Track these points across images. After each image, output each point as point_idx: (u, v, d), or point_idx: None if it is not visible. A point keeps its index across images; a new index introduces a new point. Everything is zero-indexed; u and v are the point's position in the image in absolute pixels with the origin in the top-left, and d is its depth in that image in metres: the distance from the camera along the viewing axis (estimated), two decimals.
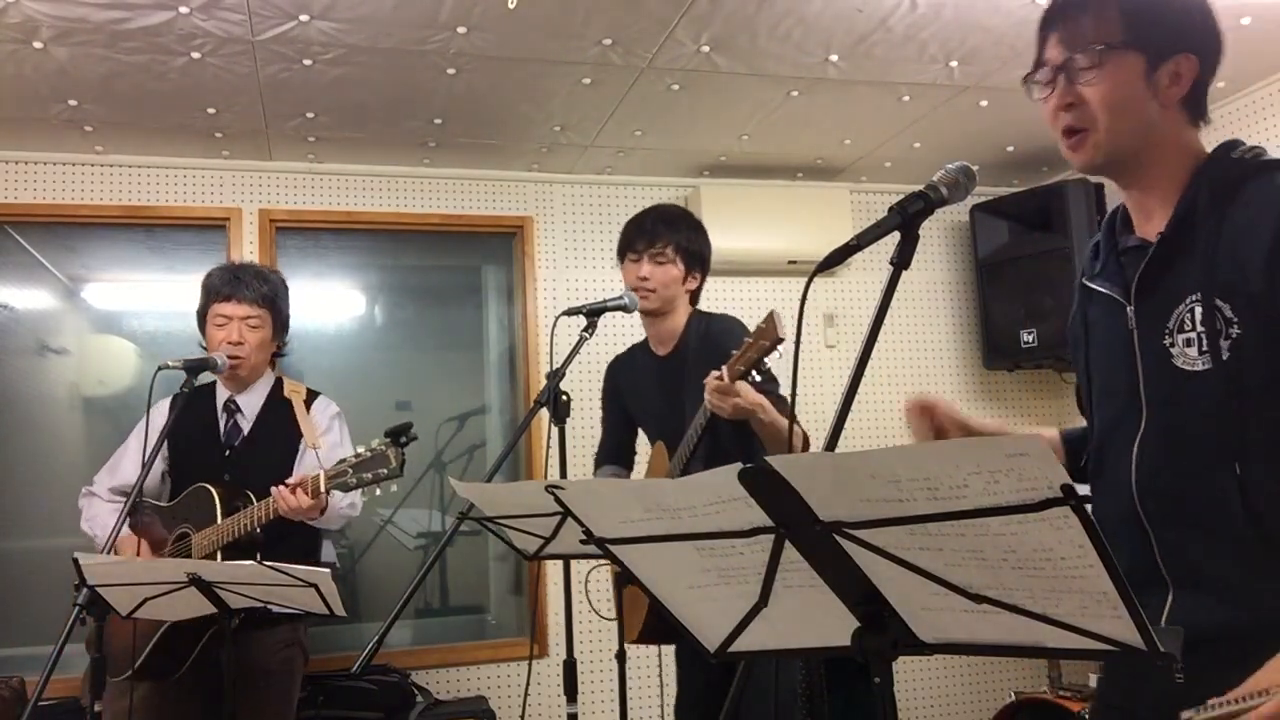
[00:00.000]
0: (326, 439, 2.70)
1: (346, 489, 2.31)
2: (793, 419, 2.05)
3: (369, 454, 2.29)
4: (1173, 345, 1.31)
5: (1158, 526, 1.32)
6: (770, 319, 2.08)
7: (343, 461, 2.32)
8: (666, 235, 2.58)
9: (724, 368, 2.18)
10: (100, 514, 2.70)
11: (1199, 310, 1.27)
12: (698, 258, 2.63)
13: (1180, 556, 1.30)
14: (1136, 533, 1.33)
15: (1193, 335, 1.28)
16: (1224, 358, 1.24)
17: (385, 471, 2.26)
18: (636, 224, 2.65)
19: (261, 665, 2.53)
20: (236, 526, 2.42)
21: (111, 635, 2.40)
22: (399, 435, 2.27)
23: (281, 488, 2.34)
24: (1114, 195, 1.46)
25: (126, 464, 2.72)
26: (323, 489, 2.32)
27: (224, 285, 2.66)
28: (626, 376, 2.81)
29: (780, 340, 2.06)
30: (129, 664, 2.45)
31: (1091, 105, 1.32)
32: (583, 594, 2.43)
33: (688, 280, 2.63)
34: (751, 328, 2.18)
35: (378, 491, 2.33)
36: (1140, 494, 1.34)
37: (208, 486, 2.51)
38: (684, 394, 2.52)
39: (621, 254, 2.66)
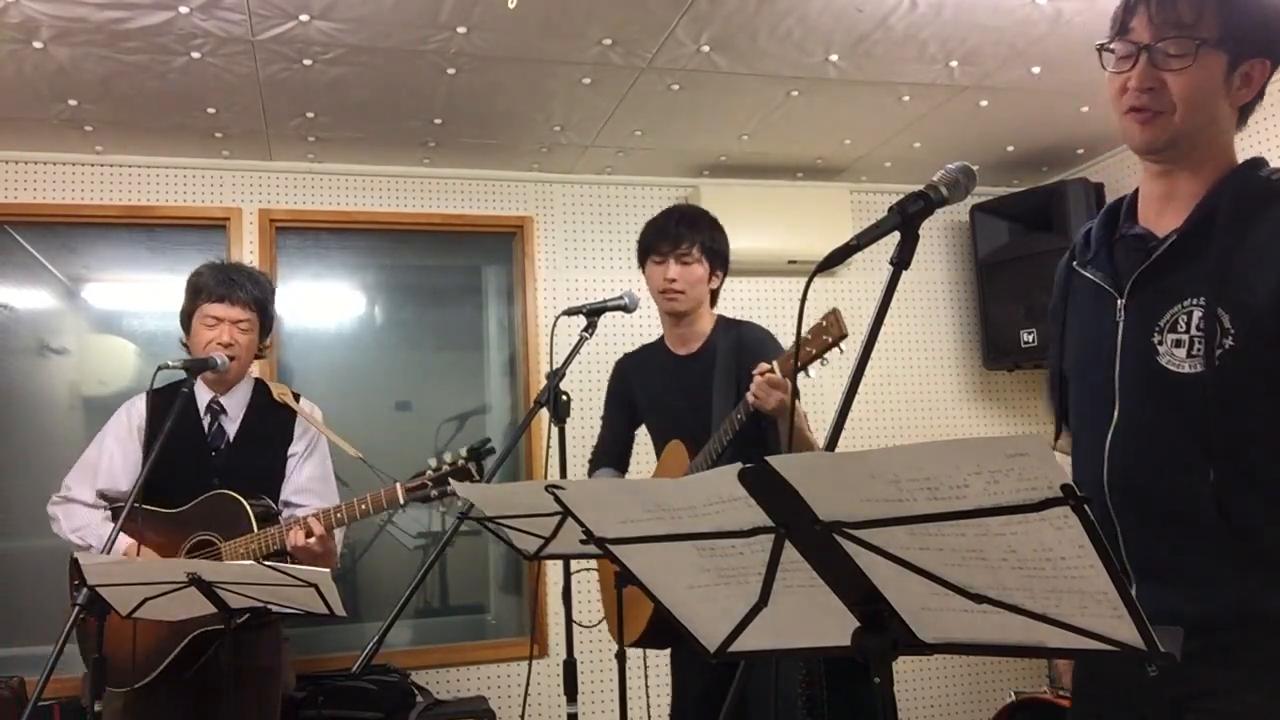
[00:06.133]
0: (320, 448, 2.72)
1: (426, 501, 2.39)
2: (793, 420, 2.05)
3: (448, 468, 2.39)
4: (1160, 344, 1.32)
5: (1125, 519, 1.34)
6: (834, 315, 2.12)
7: (421, 474, 2.41)
8: (690, 236, 2.57)
9: (775, 362, 2.21)
10: (92, 522, 2.57)
11: (1198, 314, 1.28)
12: (720, 256, 2.64)
13: (1145, 550, 1.32)
14: (1103, 525, 1.34)
15: (1184, 337, 1.29)
16: (1215, 365, 1.25)
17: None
18: (658, 227, 2.63)
19: (258, 663, 2.54)
20: (281, 536, 2.43)
21: (117, 644, 2.39)
22: (479, 451, 2.40)
23: (303, 522, 2.40)
24: (1114, 194, 1.48)
25: (111, 466, 2.62)
26: (401, 500, 2.39)
27: (217, 286, 2.61)
28: (639, 375, 2.79)
29: (845, 335, 2.10)
30: (140, 673, 2.44)
31: (1171, 92, 1.31)
32: (569, 597, 2.43)
33: (712, 279, 2.63)
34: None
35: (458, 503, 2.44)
36: (1110, 487, 1.35)
37: (233, 495, 2.49)
38: (710, 395, 2.54)
39: (643, 258, 2.66)
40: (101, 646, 2.09)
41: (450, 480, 2.37)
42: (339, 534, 2.59)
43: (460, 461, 2.38)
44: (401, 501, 2.40)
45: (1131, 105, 1.34)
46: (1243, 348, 1.24)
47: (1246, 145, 1.45)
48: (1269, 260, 1.24)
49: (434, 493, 2.39)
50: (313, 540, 2.38)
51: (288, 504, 2.64)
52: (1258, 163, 1.36)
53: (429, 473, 2.40)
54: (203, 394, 2.67)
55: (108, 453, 2.64)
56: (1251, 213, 1.29)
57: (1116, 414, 1.36)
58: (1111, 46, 1.36)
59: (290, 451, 2.68)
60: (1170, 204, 1.37)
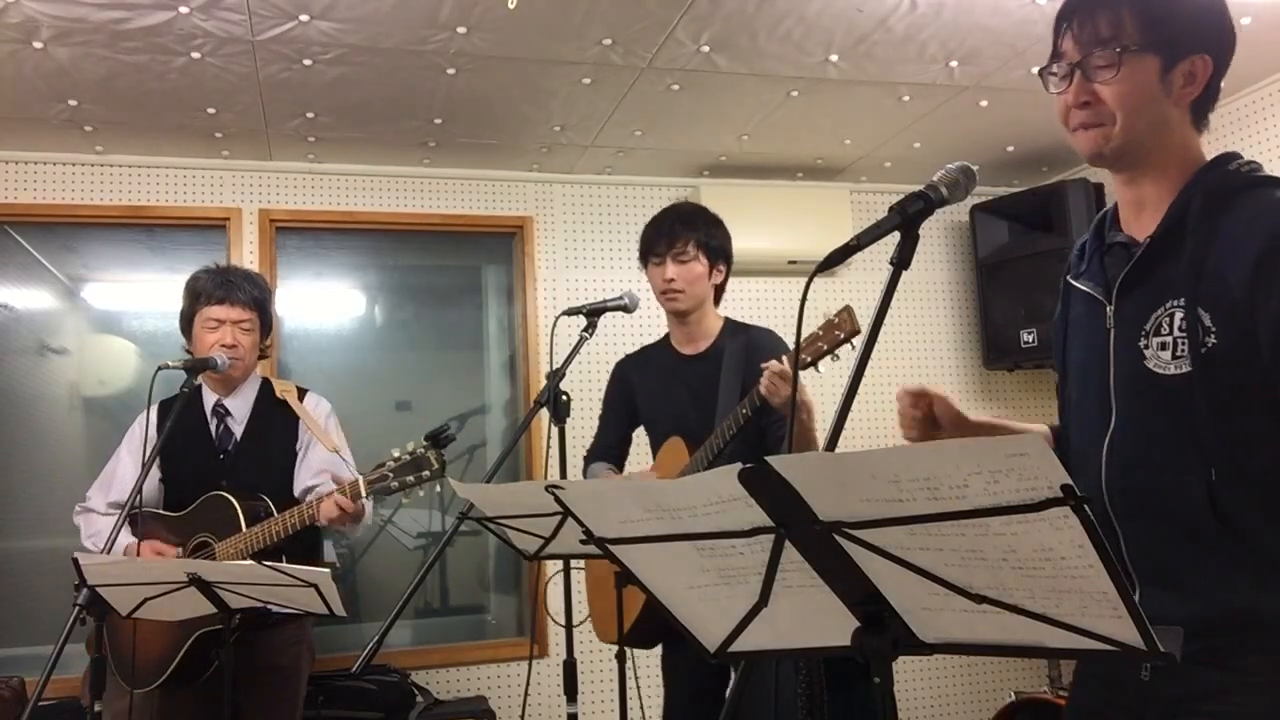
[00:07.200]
0: (329, 427, 2.71)
1: (388, 493, 2.32)
2: (793, 418, 2.05)
3: (408, 457, 2.33)
4: (1146, 347, 1.32)
5: (1126, 524, 1.34)
6: (847, 311, 2.12)
7: (381, 466, 2.35)
8: (685, 234, 2.57)
9: (785, 357, 2.22)
10: (104, 529, 2.57)
11: (1179, 315, 1.28)
12: (719, 251, 2.64)
13: (1147, 554, 1.32)
14: (1105, 530, 1.34)
15: (1168, 339, 1.30)
16: (1198, 365, 1.25)
17: (428, 474, 2.31)
18: (655, 226, 2.64)
19: (271, 663, 2.54)
20: (266, 534, 2.41)
21: (129, 646, 2.40)
22: (438, 437, 2.32)
23: (331, 497, 2.36)
24: (1113, 195, 1.48)
25: (124, 476, 2.65)
26: (363, 495, 2.34)
27: (216, 288, 2.62)
28: (640, 374, 2.79)
29: (857, 332, 2.10)
30: (156, 674, 2.44)
31: (1108, 104, 1.34)
32: (569, 596, 2.42)
33: (713, 275, 2.63)
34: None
35: (420, 493, 2.37)
36: (1109, 492, 1.36)
37: (226, 495, 2.49)
38: (715, 395, 2.54)
39: (644, 259, 2.66)
40: (102, 646, 2.10)
41: (410, 471, 2.32)
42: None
43: (420, 450, 2.32)
44: (364, 494, 2.35)
45: (1072, 122, 1.38)
46: (1226, 345, 1.24)
47: (1246, 147, 1.44)
48: (1240, 253, 1.24)
49: (394, 484, 2.31)
50: (345, 512, 2.37)
51: (309, 489, 2.62)
52: (1227, 158, 1.36)
53: (389, 464, 2.34)
54: (208, 398, 2.69)
55: (122, 464, 2.69)
56: (1222, 207, 1.29)
57: (1113, 420, 1.36)
58: (1052, 70, 1.40)
59: (298, 445, 2.69)
60: (1144, 209, 1.39)
